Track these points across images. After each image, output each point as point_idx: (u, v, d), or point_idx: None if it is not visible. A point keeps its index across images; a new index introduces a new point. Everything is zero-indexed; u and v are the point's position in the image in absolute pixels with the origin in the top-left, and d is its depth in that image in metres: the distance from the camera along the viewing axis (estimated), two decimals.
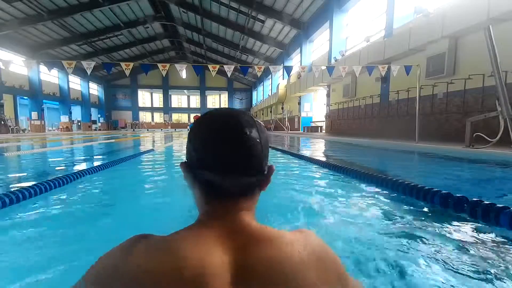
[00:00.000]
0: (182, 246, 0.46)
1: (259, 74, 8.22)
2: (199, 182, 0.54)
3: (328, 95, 17.32)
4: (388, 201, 2.38)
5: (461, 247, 1.48)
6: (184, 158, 0.61)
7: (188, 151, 0.56)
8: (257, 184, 0.56)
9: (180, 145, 9.52)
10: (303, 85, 19.19)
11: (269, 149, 0.60)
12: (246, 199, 0.55)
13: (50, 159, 6.18)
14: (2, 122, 18.74)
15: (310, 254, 0.50)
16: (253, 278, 0.46)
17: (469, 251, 1.43)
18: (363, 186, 2.92)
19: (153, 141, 12.00)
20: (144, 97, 43.04)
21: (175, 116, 43.61)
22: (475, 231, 1.70)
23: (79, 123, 29.90)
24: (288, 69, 9.75)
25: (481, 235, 1.63)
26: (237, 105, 42.51)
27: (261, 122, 0.58)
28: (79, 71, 27.28)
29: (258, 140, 0.52)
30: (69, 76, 27.77)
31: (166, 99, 42.54)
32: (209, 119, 0.55)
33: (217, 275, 0.44)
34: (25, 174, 4.11)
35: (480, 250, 1.44)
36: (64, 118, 27.88)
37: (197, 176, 0.54)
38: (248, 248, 0.48)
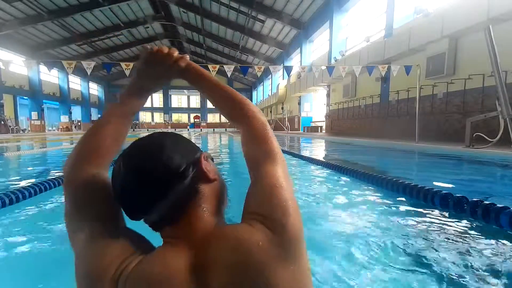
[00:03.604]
0: (151, 266, 0.46)
1: (259, 74, 8.21)
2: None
3: (328, 95, 17.31)
4: (388, 201, 2.37)
5: (461, 247, 1.48)
6: None
7: None
8: (183, 191, 0.50)
9: None
10: (303, 85, 19.18)
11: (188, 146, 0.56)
12: (188, 207, 0.51)
13: (49, 159, 6.17)
14: (2, 122, 18.74)
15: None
16: (213, 280, 0.44)
17: (469, 250, 1.43)
18: (362, 186, 2.91)
19: None
20: None
21: (175, 116, 43.58)
22: (473, 231, 1.70)
23: (79, 123, 29.91)
24: (288, 69, 9.75)
25: (480, 235, 1.63)
26: None
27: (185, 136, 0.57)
28: (79, 71, 27.26)
29: (155, 157, 0.50)
30: (69, 76, 27.77)
31: (166, 99, 42.54)
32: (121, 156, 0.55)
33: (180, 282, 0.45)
34: (25, 174, 4.11)
35: (481, 250, 1.44)
36: (64, 118, 27.90)
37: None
38: (208, 250, 0.47)
